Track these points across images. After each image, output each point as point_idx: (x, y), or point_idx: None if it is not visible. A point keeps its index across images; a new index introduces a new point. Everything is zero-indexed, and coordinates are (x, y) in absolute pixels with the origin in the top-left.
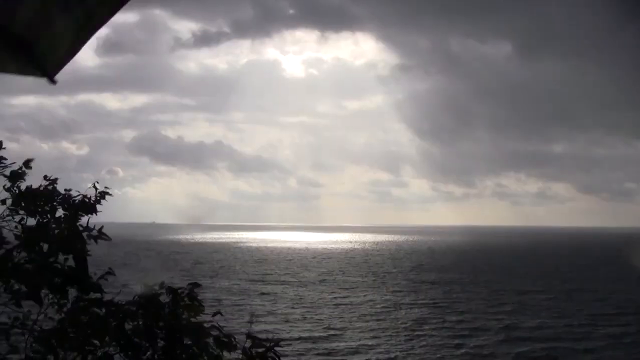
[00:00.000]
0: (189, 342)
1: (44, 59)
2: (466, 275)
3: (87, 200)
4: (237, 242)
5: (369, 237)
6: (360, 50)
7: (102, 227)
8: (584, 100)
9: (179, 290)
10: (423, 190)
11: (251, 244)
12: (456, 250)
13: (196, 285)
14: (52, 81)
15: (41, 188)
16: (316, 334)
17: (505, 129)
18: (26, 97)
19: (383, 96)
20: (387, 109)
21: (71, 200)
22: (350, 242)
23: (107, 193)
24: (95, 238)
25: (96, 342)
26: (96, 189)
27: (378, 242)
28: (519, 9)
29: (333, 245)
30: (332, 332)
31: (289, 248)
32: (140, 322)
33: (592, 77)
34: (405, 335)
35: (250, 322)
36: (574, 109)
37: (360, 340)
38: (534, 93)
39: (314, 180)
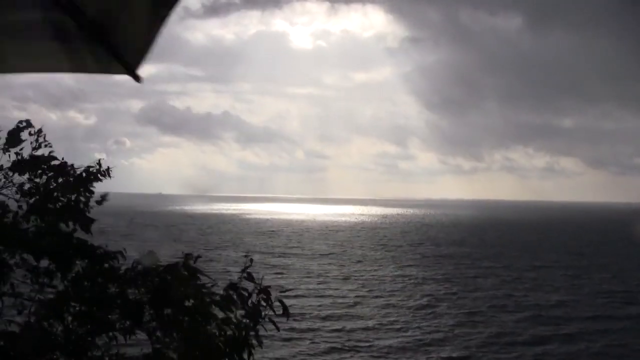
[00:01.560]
0: (190, 306)
1: (124, 49)
2: (477, 250)
3: (89, 175)
4: (244, 214)
5: (376, 210)
6: (369, 22)
7: (106, 194)
8: (595, 73)
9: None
10: (431, 163)
11: (258, 216)
12: (465, 224)
13: (190, 256)
14: (136, 77)
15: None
16: (327, 310)
17: (515, 102)
18: None
19: (391, 68)
20: (395, 81)
21: (73, 171)
22: (358, 214)
23: (109, 172)
24: (98, 202)
25: (97, 311)
26: (100, 166)
27: (386, 215)
28: None
29: (341, 218)
30: (344, 308)
31: (296, 220)
32: (143, 290)
33: (604, 49)
34: (418, 312)
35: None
36: (585, 81)
37: (373, 317)
38: (545, 65)
39: (321, 152)
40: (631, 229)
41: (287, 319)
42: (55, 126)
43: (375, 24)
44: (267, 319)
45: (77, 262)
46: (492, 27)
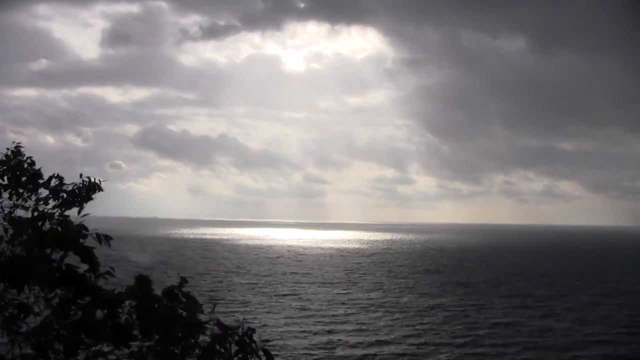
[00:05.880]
0: (183, 336)
1: None
2: (489, 277)
3: (78, 192)
4: (243, 239)
5: (376, 236)
6: (368, 43)
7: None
8: (602, 97)
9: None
10: (429, 187)
11: (258, 242)
12: (471, 250)
13: (184, 280)
14: None
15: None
16: (370, 347)
17: (517, 126)
18: (27, 89)
19: (391, 91)
20: (395, 104)
21: (60, 189)
22: (359, 240)
23: (99, 187)
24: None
25: (86, 338)
26: (89, 181)
27: (387, 241)
28: (532, 1)
29: (343, 244)
30: (369, 339)
31: (300, 246)
32: (134, 316)
33: (613, 72)
34: (461, 349)
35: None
36: (591, 105)
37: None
38: (549, 89)
39: (319, 177)
40: (627, 251)
41: None
42: (53, 149)
43: (375, 45)
44: None
45: (62, 288)
46: (494, 50)
